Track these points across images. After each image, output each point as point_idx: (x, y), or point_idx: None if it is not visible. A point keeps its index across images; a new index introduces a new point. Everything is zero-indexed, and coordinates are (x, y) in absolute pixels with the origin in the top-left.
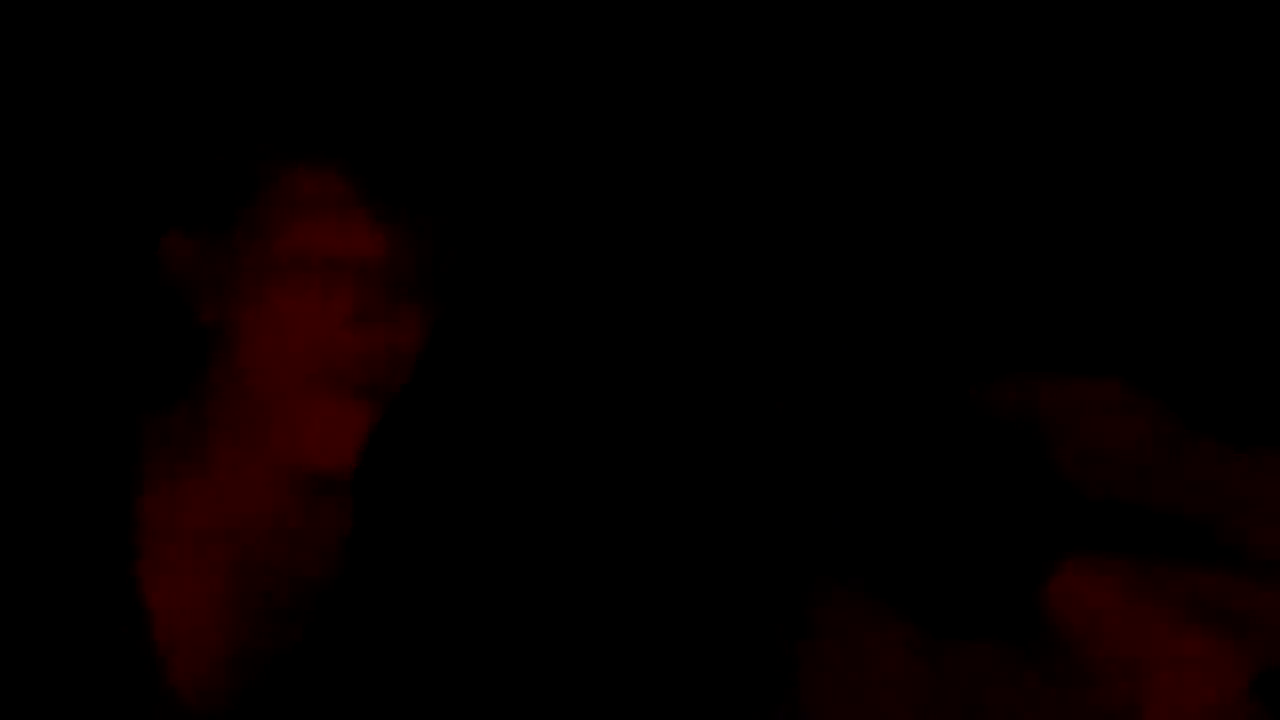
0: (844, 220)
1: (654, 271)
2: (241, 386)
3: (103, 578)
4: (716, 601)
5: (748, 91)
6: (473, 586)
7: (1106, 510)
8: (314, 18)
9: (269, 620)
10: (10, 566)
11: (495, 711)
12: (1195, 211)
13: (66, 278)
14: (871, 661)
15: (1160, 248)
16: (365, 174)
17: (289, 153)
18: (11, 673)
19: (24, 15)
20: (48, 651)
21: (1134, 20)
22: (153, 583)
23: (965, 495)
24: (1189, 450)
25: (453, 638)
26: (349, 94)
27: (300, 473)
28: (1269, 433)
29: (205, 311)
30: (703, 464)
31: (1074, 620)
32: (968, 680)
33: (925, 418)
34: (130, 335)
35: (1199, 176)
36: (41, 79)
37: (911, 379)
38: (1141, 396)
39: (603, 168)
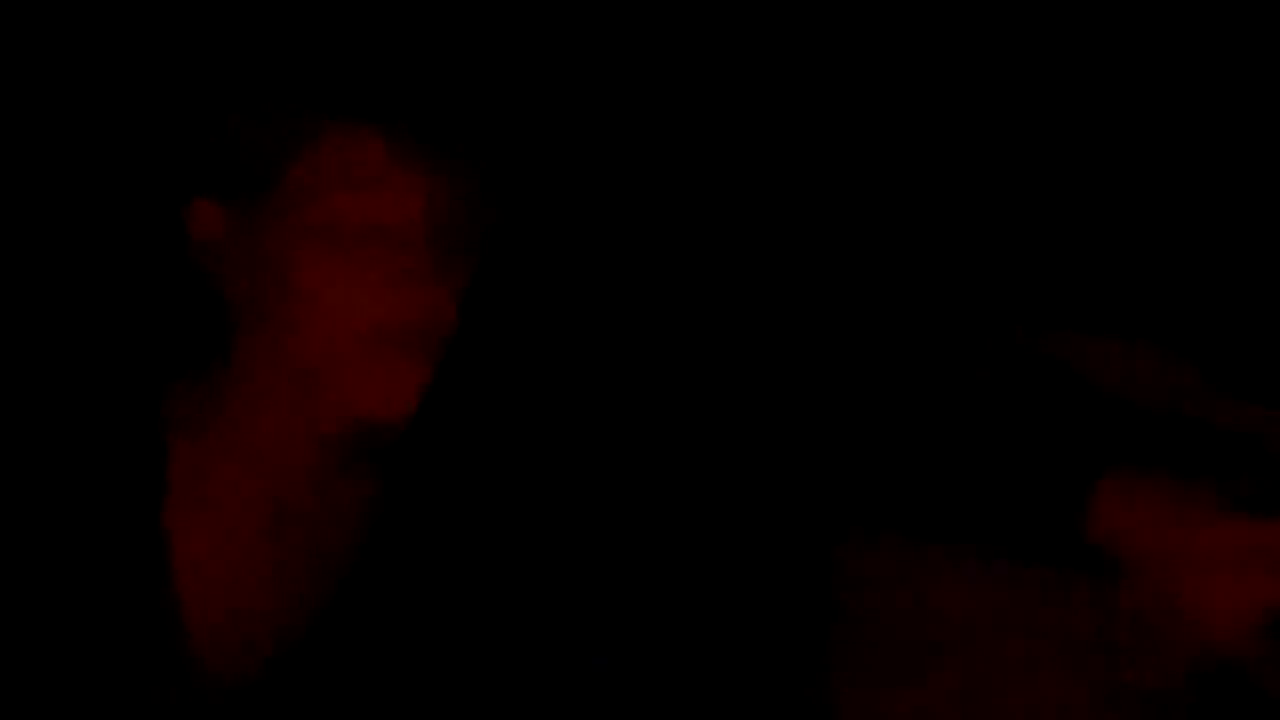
0: (904, 180)
1: (693, 220)
2: (279, 351)
3: (127, 539)
4: (752, 555)
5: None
6: (500, 558)
7: (1139, 436)
8: None
9: (294, 584)
10: (35, 526)
11: (528, 677)
12: (1228, 188)
13: (92, 242)
14: (929, 601)
15: (1191, 220)
16: (404, 137)
17: (325, 118)
18: (35, 630)
19: None
20: (71, 611)
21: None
22: (178, 545)
23: (1004, 428)
24: (1215, 408)
25: (479, 611)
26: (385, 56)
27: (349, 430)
28: None
29: (235, 280)
30: (741, 415)
31: (1116, 529)
32: (1025, 604)
33: (965, 359)
34: (157, 301)
35: (1233, 158)
36: (72, 43)
37: (953, 325)
38: (1171, 357)
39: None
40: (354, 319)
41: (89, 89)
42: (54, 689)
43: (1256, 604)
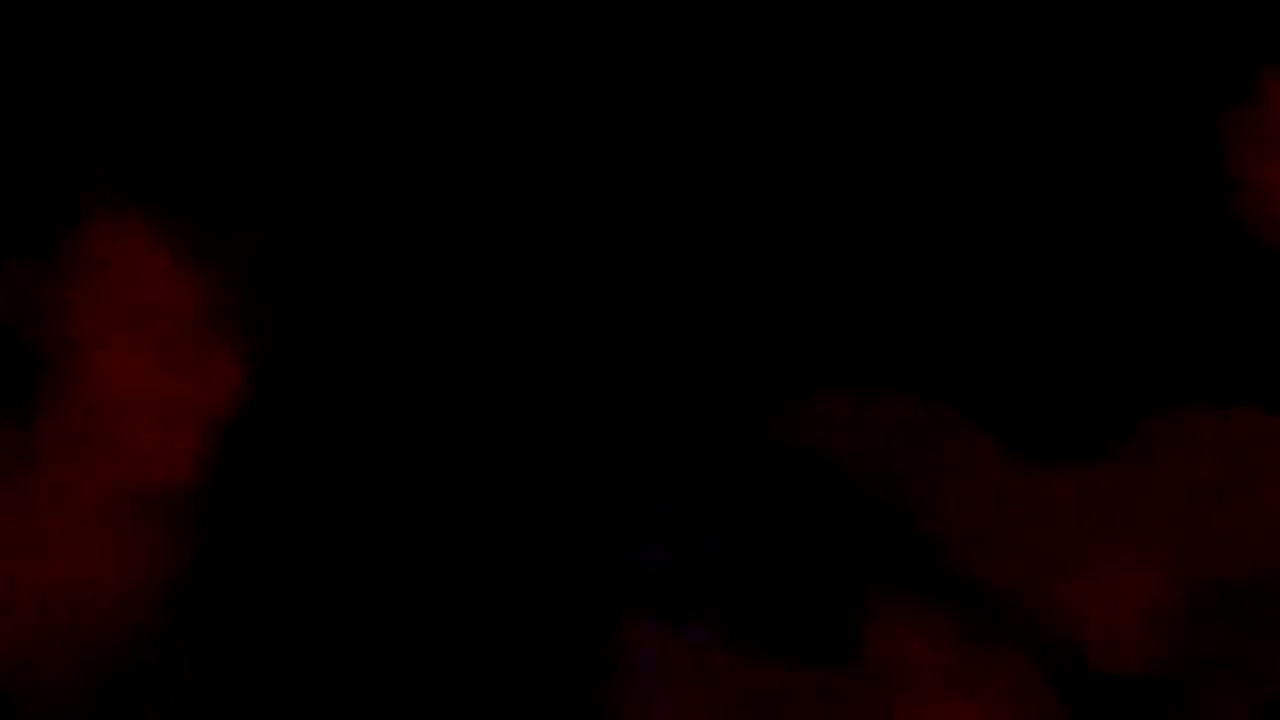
0: (658, 247)
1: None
2: (68, 412)
3: None
4: (526, 627)
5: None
6: (312, 596)
7: (900, 523)
8: (136, 65)
9: (95, 641)
10: None
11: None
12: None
13: None
14: (680, 683)
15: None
16: (172, 223)
17: (98, 199)
18: None
19: None
20: None
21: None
22: None
23: (766, 517)
24: (983, 462)
25: (293, 646)
26: (159, 141)
27: (128, 492)
28: (1057, 445)
29: (31, 334)
30: (508, 482)
31: (885, 650)
32: (777, 698)
33: (727, 441)
34: None
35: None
36: None
37: (714, 400)
38: (938, 410)
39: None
40: (125, 393)
41: None
42: None
43: None
